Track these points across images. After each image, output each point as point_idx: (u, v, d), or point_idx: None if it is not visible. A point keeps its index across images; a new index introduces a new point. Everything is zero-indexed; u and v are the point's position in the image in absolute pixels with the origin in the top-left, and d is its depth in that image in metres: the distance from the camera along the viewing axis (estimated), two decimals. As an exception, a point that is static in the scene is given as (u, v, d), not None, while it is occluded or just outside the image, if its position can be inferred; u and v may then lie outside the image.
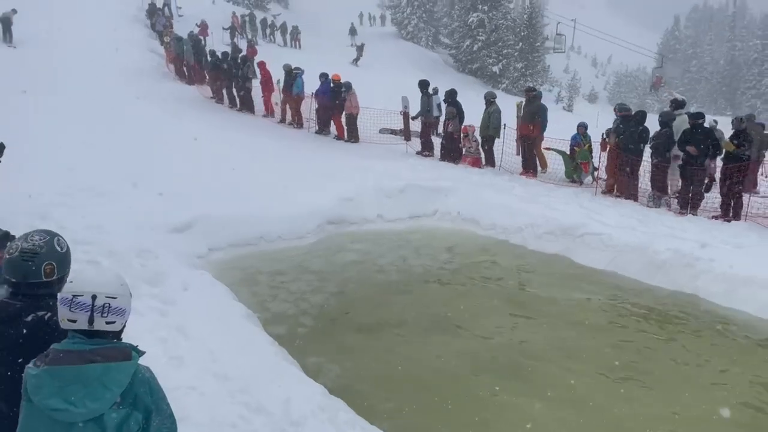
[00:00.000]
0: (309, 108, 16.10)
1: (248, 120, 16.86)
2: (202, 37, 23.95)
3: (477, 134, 13.18)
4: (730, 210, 9.76)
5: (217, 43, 25.49)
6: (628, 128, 10.84)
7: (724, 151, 9.99)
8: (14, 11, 20.10)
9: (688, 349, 6.30)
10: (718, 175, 10.14)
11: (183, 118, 15.05)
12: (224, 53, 19.16)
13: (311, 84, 15.81)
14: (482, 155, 13.22)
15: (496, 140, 12.98)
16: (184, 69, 21.06)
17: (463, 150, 13.35)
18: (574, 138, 12.33)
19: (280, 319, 6.55)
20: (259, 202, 9.22)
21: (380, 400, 5.06)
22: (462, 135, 13.31)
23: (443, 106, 13.73)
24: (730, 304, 7.25)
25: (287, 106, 16.85)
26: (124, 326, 2.03)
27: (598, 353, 6.11)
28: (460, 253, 9.27)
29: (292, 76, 16.27)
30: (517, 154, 13.39)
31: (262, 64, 17.64)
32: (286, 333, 6.21)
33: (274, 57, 20.78)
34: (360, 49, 34.10)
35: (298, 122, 16.51)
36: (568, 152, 12.40)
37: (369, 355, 5.88)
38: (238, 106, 18.13)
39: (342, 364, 5.65)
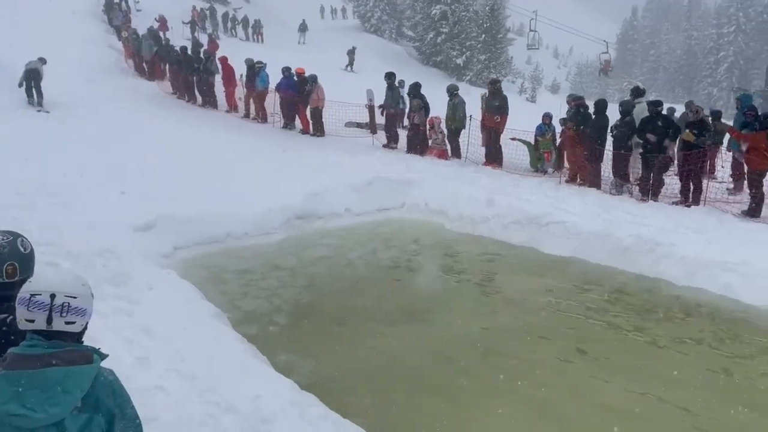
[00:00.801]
0: (273, 103, 15.93)
1: (211, 116, 16.62)
2: (161, 33, 23.47)
3: (443, 126, 13.24)
4: (690, 196, 10.01)
5: (177, 38, 24.99)
6: (583, 117, 11.05)
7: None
8: (43, 60, 14.62)
9: (652, 332, 6.44)
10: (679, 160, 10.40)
11: (144, 115, 14.76)
12: (183, 48, 18.83)
13: (275, 78, 15.65)
14: (448, 147, 13.29)
15: (462, 132, 13.06)
16: (144, 65, 20.63)
17: (430, 142, 13.39)
18: (538, 128, 12.48)
19: (250, 317, 6.48)
20: (224, 199, 9.10)
21: (353, 393, 5.05)
22: (428, 126, 13.35)
23: (407, 98, 13.77)
24: (692, 287, 7.44)
25: (251, 101, 16.66)
26: (86, 328, 1.97)
27: (565, 340, 6.20)
28: (428, 244, 9.31)
29: (255, 70, 16.08)
30: (483, 145, 13.50)
31: (223, 59, 17.39)
32: (256, 330, 6.14)
33: (236, 51, 20.49)
34: (351, 53, 32.80)
35: (262, 117, 16.33)
36: (533, 142, 12.56)
37: (341, 350, 5.86)
38: (201, 101, 17.85)
39: (314, 360, 5.62)
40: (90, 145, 11.18)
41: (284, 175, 10.64)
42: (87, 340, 2.05)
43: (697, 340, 6.30)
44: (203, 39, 26.89)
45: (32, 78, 14.22)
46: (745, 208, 9.51)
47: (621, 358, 5.86)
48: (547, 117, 12.54)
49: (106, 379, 1.90)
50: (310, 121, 15.15)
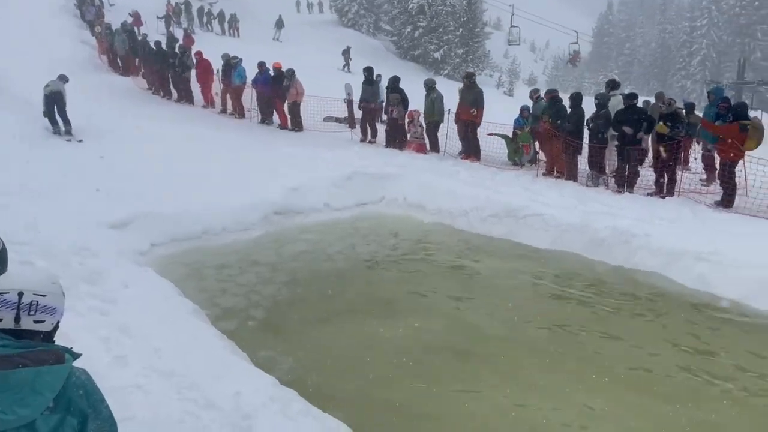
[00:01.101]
0: (250, 98, 15.81)
1: (188, 111, 16.45)
2: (136, 28, 23.13)
3: (422, 119, 13.26)
4: (665, 187, 10.16)
5: (152, 33, 24.63)
6: (557, 110, 11.16)
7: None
8: (64, 79, 12.75)
9: (626, 323, 6.53)
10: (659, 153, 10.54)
11: (119, 111, 14.56)
12: (157, 43, 18.60)
13: (252, 73, 15.53)
14: (427, 141, 13.31)
15: (441, 126, 13.09)
16: (118, 60, 20.33)
17: (409, 135, 13.41)
18: (516, 121, 12.57)
19: (229, 313, 6.44)
20: (202, 195, 9.03)
21: (334, 387, 5.06)
22: (408, 120, 13.37)
23: (384, 92, 13.76)
24: (667, 276, 7.56)
25: (228, 96, 16.52)
26: (57, 327, 1.94)
27: (542, 331, 6.27)
28: (407, 238, 9.33)
29: (231, 65, 15.94)
30: (461, 138, 13.55)
31: (199, 54, 17.22)
32: (235, 327, 6.11)
33: (212, 46, 20.30)
34: (347, 52, 31.87)
35: (239, 113, 16.21)
36: (511, 136, 12.65)
37: (322, 345, 5.86)
38: (177, 97, 17.65)
39: (295, 355, 5.60)
40: (66, 141, 11.01)
41: (262, 171, 10.58)
42: (62, 340, 2.03)
43: (672, 329, 6.40)
44: (178, 34, 26.57)
45: (54, 102, 12.19)
46: (718, 198, 9.68)
47: (597, 342, 5.96)
48: (526, 110, 12.63)
49: (78, 379, 1.87)
50: (288, 116, 15.07)
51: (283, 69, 14.83)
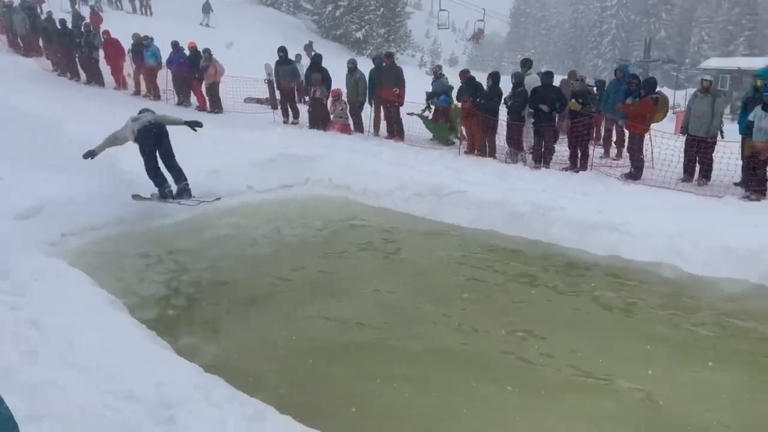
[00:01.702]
0: (166, 79, 15.21)
1: (98, 93, 15.65)
2: (38, 5, 21.67)
3: (345, 98, 13.19)
4: (578, 162, 10.60)
5: (56, 10, 23.11)
6: (474, 89, 11.39)
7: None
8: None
9: (546, 294, 6.82)
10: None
11: (22, 93, 13.63)
12: (62, 21, 17.52)
13: (166, 53, 14.93)
14: (350, 121, 13.27)
15: (365, 106, 13.07)
16: (18, 40, 19.02)
17: (332, 115, 13.31)
18: (443, 101, 12.72)
19: (149, 303, 6.24)
20: (116, 181, 8.62)
21: (260, 372, 5.02)
22: (332, 98, 13.25)
23: (303, 71, 13.59)
24: (581, 249, 7.91)
25: (141, 77, 15.83)
26: None
27: (471, 302, 6.46)
28: (333, 219, 9.30)
29: (143, 45, 15.26)
30: (384, 119, 13.59)
31: (107, 33, 16.37)
32: (155, 316, 5.94)
33: (122, 25, 19.33)
34: (309, 47, 29.30)
35: (154, 94, 15.58)
36: (431, 116, 12.82)
37: (246, 329, 5.79)
38: (85, 79, 16.74)
39: (219, 342, 5.51)
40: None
41: (181, 153, 10.19)
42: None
43: (591, 294, 6.73)
44: (85, 12, 25.10)
45: (156, 142, 8.09)
46: (627, 171, 10.20)
47: (520, 309, 6.26)
48: (449, 89, 12.82)
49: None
50: (207, 98, 14.63)
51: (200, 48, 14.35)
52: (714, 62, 38.53)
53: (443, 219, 9.13)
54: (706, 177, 9.72)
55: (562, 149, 11.09)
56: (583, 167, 10.54)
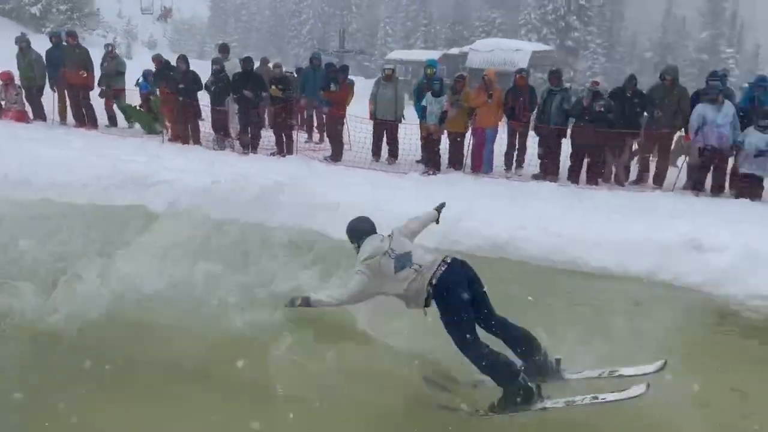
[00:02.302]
0: None
1: None
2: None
3: (19, 82, 11.49)
4: (284, 147, 10.98)
5: None
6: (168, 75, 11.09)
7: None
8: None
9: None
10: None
11: None
12: None
13: None
14: (29, 108, 11.63)
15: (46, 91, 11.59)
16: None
17: (3, 102, 11.49)
18: (144, 86, 11.93)
19: None
20: None
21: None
22: (1, 82, 11.42)
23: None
24: (309, 228, 8.13)
25: None
26: None
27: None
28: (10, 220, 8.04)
29: None
30: (71, 106, 12.24)
31: None
32: None
33: None
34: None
35: None
36: (140, 103, 12.03)
37: None
38: None
39: None
40: None
41: None
42: None
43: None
44: None
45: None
46: (328, 154, 10.92)
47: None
48: (151, 75, 12.08)
49: None
50: None
51: None
52: (397, 54, 43.27)
53: (150, 208, 8.49)
54: (394, 156, 10.92)
55: (268, 134, 11.34)
56: (290, 152, 10.95)
